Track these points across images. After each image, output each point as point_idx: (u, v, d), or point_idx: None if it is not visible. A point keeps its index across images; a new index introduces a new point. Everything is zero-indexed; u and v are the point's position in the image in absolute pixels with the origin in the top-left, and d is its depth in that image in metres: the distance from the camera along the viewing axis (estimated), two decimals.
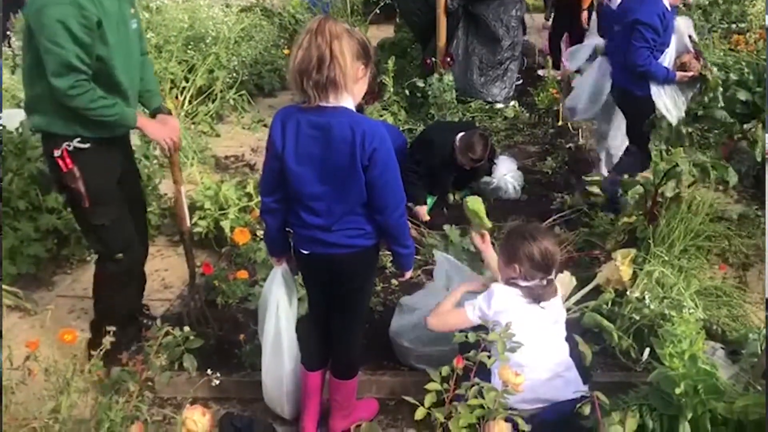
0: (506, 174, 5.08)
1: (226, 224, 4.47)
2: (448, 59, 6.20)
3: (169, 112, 3.49)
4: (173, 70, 6.59)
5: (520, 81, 7.33)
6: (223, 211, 4.57)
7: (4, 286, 3.96)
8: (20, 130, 4.44)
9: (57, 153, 2.95)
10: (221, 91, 6.95)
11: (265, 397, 3.06)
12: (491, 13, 6.31)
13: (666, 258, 3.29)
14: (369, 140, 2.40)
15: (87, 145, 2.98)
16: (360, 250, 2.63)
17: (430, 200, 4.96)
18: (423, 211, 4.81)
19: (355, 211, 2.54)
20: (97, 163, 3.05)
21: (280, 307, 2.86)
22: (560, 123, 6.50)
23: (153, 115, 3.38)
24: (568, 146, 6.05)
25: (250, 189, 4.74)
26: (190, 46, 6.72)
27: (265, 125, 7.02)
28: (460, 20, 6.42)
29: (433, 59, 6.43)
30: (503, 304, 2.71)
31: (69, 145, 2.94)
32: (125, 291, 3.42)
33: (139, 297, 3.68)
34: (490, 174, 5.11)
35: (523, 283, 2.74)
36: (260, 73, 7.76)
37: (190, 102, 6.80)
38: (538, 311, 2.74)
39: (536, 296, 2.74)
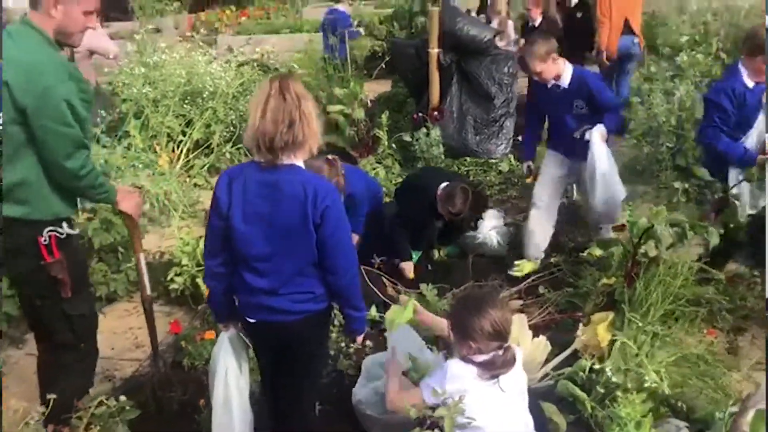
0: (492, 229, 4.96)
1: (202, 281, 4.39)
2: (436, 114, 6.17)
3: None
4: (170, 124, 6.63)
5: (518, 136, 7.26)
6: (200, 268, 4.49)
7: None
8: None
9: (44, 240, 2.71)
10: (218, 145, 6.96)
11: None
12: (483, 70, 6.29)
13: (640, 324, 3.13)
14: (321, 198, 2.37)
15: (76, 231, 2.86)
16: (310, 316, 2.55)
17: (414, 255, 4.85)
18: (409, 267, 4.71)
19: (305, 272, 2.47)
20: (77, 247, 2.95)
21: (229, 375, 2.76)
22: None
23: None
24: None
25: None
26: (187, 101, 6.76)
27: None
28: (453, 76, 6.41)
29: (421, 114, 6.40)
30: (459, 384, 2.55)
31: (60, 233, 2.74)
32: (85, 377, 3.11)
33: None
34: (475, 228, 5.00)
35: (480, 358, 2.58)
36: None
37: (186, 155, 6.82)
38: (497, 391, 2.59)
39: (495, 369, 2.59)
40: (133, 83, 6.64)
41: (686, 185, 5.40)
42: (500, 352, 2.61)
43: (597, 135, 4.21)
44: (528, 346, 3.41)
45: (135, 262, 3.37)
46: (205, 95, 6.80)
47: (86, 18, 2.73)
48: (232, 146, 7.01)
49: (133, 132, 6.65)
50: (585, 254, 4.52)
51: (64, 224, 2.78)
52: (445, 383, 2.55)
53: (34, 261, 2.74)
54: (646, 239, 3.35)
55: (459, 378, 2.55)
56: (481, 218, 4.99)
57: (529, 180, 4.96)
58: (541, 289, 4.29)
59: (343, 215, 2.48)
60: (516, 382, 2.68)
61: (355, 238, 4.73)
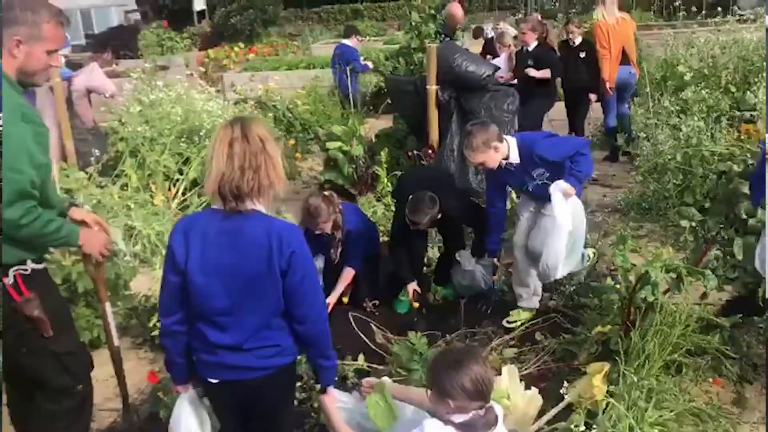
0: (477, 260, 4.75)
1: None
2: (430, 151, 6.04)
3: None
4: (166, 163, 6.55)
5: None
6: None
7: None
8: None
9: (8, 281, 2.59)
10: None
11: None
12: (483, 108, 6.15)
13: (634, 378, 2.93)
14: (287, 243, 2.24)
15: (42, 266, 2.74)
16: (276, 371, 2.38)
17: (404, 303, 4.67)
18: (413, 287, 4.58)
19: (271, 324, 2.32)
20: (50, 282, 2.82)
21: None
22: None
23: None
24: None
25: None
26: (183, 139, 6.69)
27: None
28: (453, 113, 6.27)
29: (416, 152, 6.28)
30: None
31: (24, 269, 2.62)
32: (84, 422, 3.02)
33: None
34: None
35: (459, 419, 2.39)
36: None
37: (183, 194, 6.73)
38: None
39: (475, 431, 2.40)
40: (130, 122, 6.58)
41: (693, 224, 5.23)
42: (481, 412, 2.43)
43: (557, 195, 3.88)
44: (519, 400, 3.22)
45: (101, 312, 3.21)
46: (201, 133, 6.73)
47: (49, 57, 2.65)
48: None
49: (129, 171, 6.59)
50: (584, 299, 4.31)
51: (29, 261, 2.65)
52: None
53: (6, 306, 2.62)
54: (641, 286, 3.16)
55: None
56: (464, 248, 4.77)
57: (495, 278, 4.60)
58: (537, 336, 4.08)
59: (310, 260, 2.35)
60: None
61: (352, 273, 4.60)
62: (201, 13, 20.60)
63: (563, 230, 3.86)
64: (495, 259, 4.58)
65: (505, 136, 4.06)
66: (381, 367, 3.82)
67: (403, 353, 3.70)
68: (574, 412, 3.13)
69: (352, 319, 4.30)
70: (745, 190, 5.30)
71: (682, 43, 9.23)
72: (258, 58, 14.71)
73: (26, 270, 2.63)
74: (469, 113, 6.20)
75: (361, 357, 3.91)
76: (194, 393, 2.58)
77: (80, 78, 6.70)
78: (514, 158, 4.04)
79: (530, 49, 7.33)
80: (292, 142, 8.24)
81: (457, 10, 8.15)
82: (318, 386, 2.71)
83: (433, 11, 7.50)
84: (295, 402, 3.20)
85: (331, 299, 4.46)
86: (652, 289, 3.16)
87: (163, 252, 5.70)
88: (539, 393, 3.32)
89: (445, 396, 2.39)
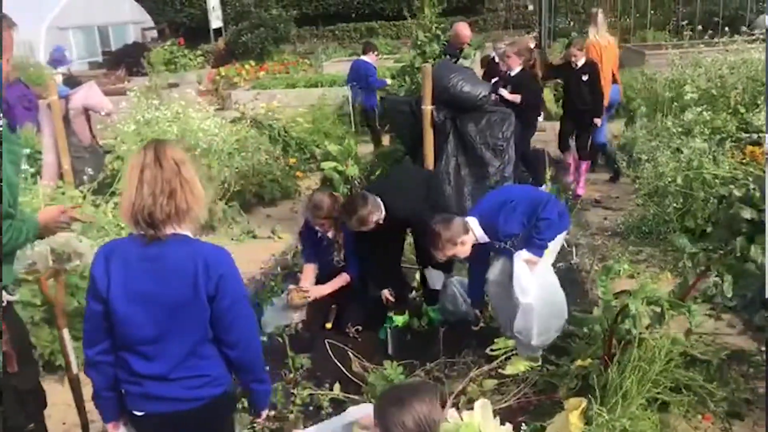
0: (452, 277, 4.64)
1: None
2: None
3: None
4: None
5: None
6: None
7: None
8: None
9: None
10: (213, 203, 6.83)
11: None
12: (478, 134, 6.04)
13: (606, 417, 2.79)
14: (213, 267, 2.16)
15: (15, 297, 2.69)
16: (207, 403, 2.28)
17: (388, 327, 4.56)
18: (385, 293, 4.67)
19: (198, 353, 2.23)
20: (17, 316, 2.76)
21: None
22: None
23: None
24: (558, 265, 5.60)
25: None
26: None
27: (254, 236, 6.87)
28: (449, 135, 6.17)
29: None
30: None
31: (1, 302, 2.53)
32: None
33: None
34: (450, 271, 4.73)
35: None
36: (261, 182, 7.66)
37: None
38: None
39: None
40: (126, 140, 6.57)
41: (694, 249, 5.06)
42: None
43: (519, 265, 3.83)
44: None
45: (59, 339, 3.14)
46: (197, 152, 6.70)
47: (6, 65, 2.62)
48: (226, 203, 6.90)
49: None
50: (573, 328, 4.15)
51: (4, 293, 2.57)
52: None
53: None
54: (622, 318, 3.03)
55: None
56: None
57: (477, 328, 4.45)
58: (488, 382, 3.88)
59: (240, 283, 2.27)
60: None
61: (347, 279, 4.61)
62: (218, 31, 20.75)
63: (531, 310, 3.78)
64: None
65: (466, 220, 4.00)
66: (356, 397, 3.71)
67: (378, 383, 3.59)
68: None
69: (328, 346, 4.20)
70: (746, 215, 5.16)
71: (689, 63, 9.08)
72: (268, 76, 14.74)
73: (2, 302, 2.56)
74: (464, 138, 6.10)
75: (336, 386, 3.80)
76: (125, 430, 2.45)
77: (78, 96, 6.70)
78: (481, 237, 4.01)
79: (512, 73, 7.23)
80: (292, 160, 8.21)
81: (462, 29, 8.05)
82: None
83: (438, 32, 7.44)
84: None
85: (317, 293, 4.53)
86: (633, 322, 3.02)
87: None
88: (516, 427, 3.20)
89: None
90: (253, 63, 15.87)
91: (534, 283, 3.77)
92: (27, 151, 6.50)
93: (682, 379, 3.10)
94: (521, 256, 3.83)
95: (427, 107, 6.06)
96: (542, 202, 3.92)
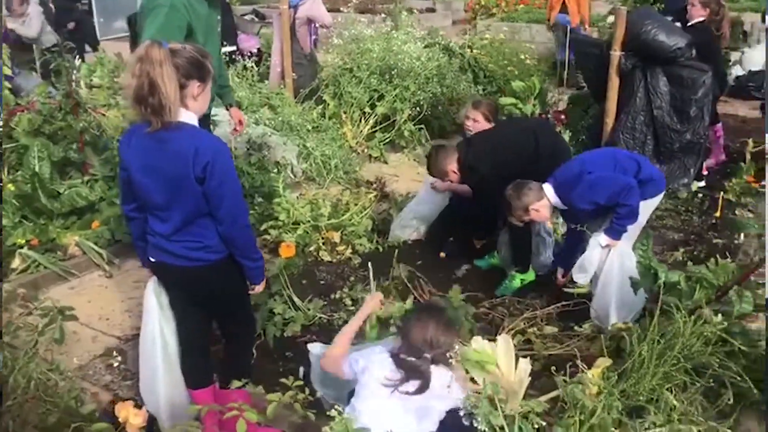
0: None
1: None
2: (562, 116, 5.66)
3: (239, 106, 3.89)
4: (357, 95, 7.06)
5: (706, 172, 6.30)
6: (295, 226, 4.86)
7: (90, 244, 4.75)
8: None
9: None
10: (404, 122, 7.22)
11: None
12: (667, 94, 5.55)
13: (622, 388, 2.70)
14: (202, 153, 2.55)
15: None
16: (204, 265, 2.75)
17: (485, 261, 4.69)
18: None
19: (196, 222, 2.69)
20: None
21: (158, 313, 2.98)
22: (718, 214, 5.51)
23: (227, 108, 4.31)
24: (715, 242, 5.10)
25: (324, 210, 4.95)
26: (375, 76, 7.12)
27: None
28: (637, 87, 5.74)
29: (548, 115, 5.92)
30: (368, 366, 2.71)
31: None
32: None
33: None
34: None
35: (402, 356, 2.67)
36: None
37: (373, 127, 7.22)
38: (395, 396, 2.64)
39: (407, 370, 2.65)
40: (332, 53, 7.19)
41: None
42: (419, 363, 2.65)
43: (592, 245, 3.77)
44: (510, 371, 3.16)
45: None
46: (393, 72, 7.09)
47: None
48: (415, 124, 7.24)
49: (327, 98, 7.25)
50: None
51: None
52: (359, 361, 2.76)
53: None
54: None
55: (371, 363, 2.71)
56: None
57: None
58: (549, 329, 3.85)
59: (230, 170, 2.63)
60: (420, 401, 2.66)
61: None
62: None
63: (610, 284, 3.72)
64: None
65: (542, 186, 3.94)
66: None
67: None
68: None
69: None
70: None
71: None
72: (525, 9, 14.44)
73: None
74: (652, 92, 5.67)
75: (409, 301, 4.04)
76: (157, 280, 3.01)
77: (304, 6, 7.43)
78: (558, 204, 3.96)
79: (690, 23, 6.09)
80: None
81: None
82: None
83: None
84: None
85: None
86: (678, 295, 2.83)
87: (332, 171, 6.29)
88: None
89: (400, 332, 2.77)
90: None
91: (615, 264, 3.72)
92: None
93: (704, 361, 2.79)
94: (600, 240, 3.75)
95: (616, 53, 5.75)
96: (624, 188, 3.69)
